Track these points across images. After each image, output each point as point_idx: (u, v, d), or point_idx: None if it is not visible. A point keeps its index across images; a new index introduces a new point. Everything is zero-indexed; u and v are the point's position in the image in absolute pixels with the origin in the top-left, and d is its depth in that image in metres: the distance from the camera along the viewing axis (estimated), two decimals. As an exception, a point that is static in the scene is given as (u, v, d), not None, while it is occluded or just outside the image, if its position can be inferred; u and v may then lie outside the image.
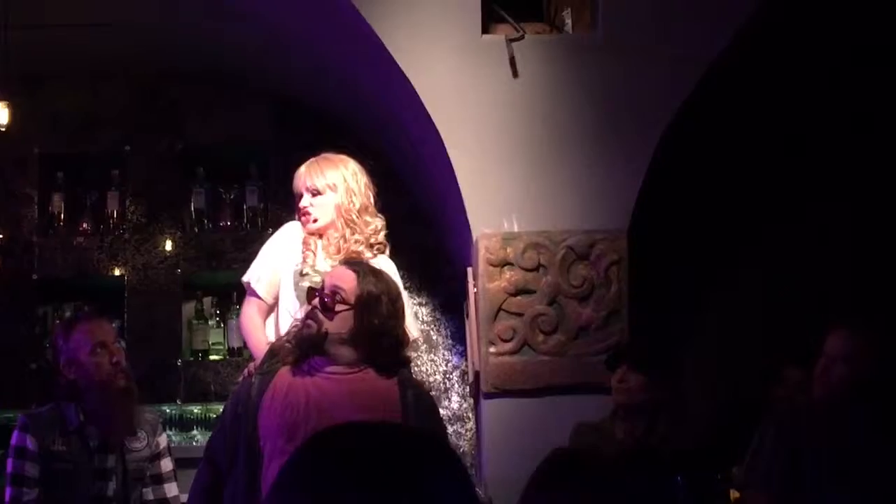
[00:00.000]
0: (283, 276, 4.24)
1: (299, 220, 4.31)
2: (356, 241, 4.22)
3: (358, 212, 4.24)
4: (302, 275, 4.17)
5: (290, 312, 4.11)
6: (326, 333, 3.59)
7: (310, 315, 3.63)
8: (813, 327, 3.94)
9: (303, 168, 4.34)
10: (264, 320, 4.29)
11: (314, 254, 4.22)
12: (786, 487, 3.80)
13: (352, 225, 4.23)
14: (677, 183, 5.73)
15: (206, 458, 3.74)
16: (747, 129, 6.06)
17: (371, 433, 1.46)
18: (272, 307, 4.28)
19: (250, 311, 4.27)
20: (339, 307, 3.60)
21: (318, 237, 4.27)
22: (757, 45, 5.40)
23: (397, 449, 1.41)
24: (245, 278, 4.33)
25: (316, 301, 3.63)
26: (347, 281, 3.64)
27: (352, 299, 3.61)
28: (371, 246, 4.26)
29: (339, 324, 3.60)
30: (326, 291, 3.62)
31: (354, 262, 3.86)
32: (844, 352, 3.78)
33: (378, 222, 4.30)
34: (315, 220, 4.23)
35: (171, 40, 6.21)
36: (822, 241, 6.07)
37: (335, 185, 4.24)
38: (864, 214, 6.04)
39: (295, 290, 4.17)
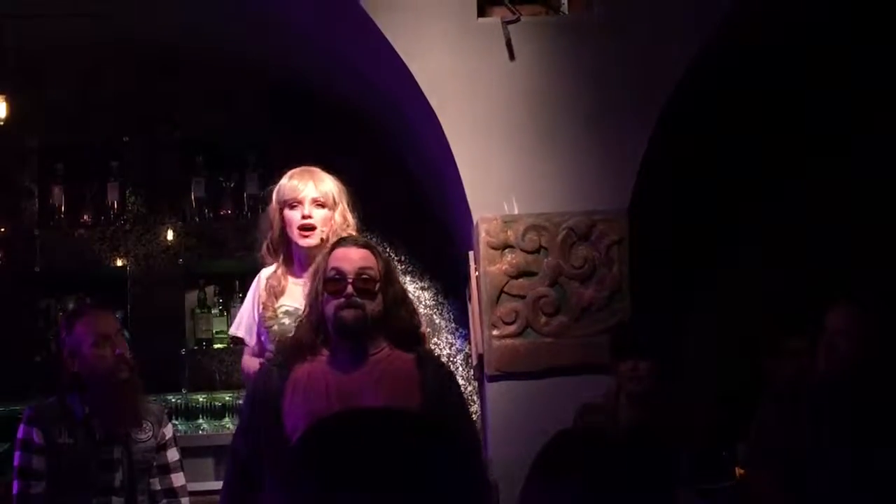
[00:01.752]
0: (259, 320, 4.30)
1: (296, 232, 4.13)
2: None
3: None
4: (268, 322, 4.17)
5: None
6: (373, 314, 3.57)
7: (345, 304, 3.53)
8: (813, 303, 3.94)
9: (298, 178, 4.18)
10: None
11: (274, 294, 4.17)
12: (789, 463, 3.81)
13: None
14: (676, 162, 5.73)
15: (231, 458, 3.67)
16: (746, 107, 6.05)
17: (379, 419, 1.47)
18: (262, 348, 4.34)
19: (248, 359, 4.31)
20: (376, 286, 3.57)
21: (285, 272, 4.21)
22: (753, 24, 5.39)
23: (404, 434, 1.42)
24: (232, 331, 4.48)
25: (350, 289, 3.53)
26: (367, 259, 3.59)
27: (378, 275, 3.58)
28: None
29: (378, 301, 3.58)
30: (352, 278, 3.54)
31: (353, 240, 3.73)
32: (846, 326, 3.79)
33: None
34: (323, 238, 4.07)
35: (169, 30, 6.20)
36: (822, 218, 6.07)
37: (336, 201, 4.17)
38: (867, 190, 6.03)
39: (264, 334, 4.22)
